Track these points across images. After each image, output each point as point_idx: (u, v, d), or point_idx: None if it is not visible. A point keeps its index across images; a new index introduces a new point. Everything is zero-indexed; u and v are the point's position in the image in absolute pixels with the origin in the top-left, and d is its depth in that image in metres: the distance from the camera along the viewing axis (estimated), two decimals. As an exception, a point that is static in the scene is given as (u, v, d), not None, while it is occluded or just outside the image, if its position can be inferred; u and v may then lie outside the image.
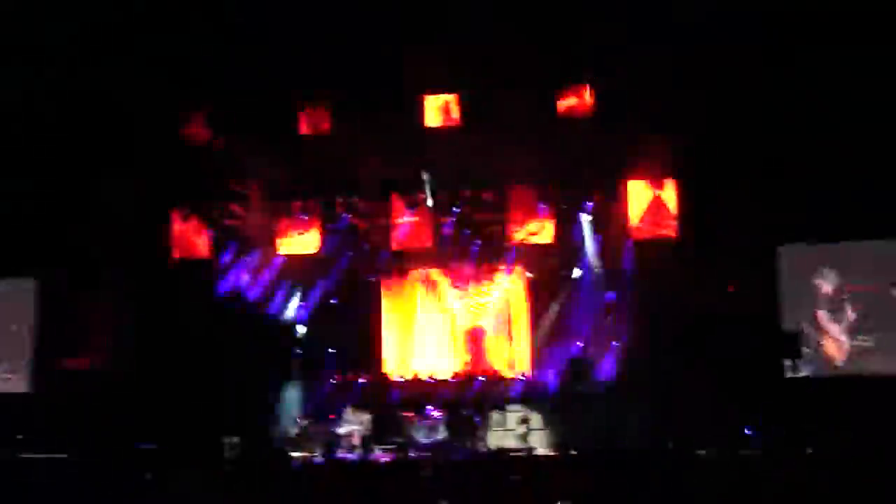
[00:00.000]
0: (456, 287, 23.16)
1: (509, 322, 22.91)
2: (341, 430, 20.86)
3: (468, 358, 22.87)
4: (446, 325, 23.22)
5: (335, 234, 22.78)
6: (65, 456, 16.18)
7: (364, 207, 22.74)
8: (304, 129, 21.80)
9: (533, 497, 7.39)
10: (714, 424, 17.76)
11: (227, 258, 22.80)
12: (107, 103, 20.91)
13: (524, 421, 21.04)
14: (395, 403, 22.10)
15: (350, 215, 22.61)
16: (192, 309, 21.85)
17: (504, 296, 22.96)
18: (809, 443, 16.30)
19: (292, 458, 14.30)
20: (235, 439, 20.16)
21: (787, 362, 19.25)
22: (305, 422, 21.32)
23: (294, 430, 21.22)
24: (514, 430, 20.90)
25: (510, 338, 22.87)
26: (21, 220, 22.22)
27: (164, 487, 8.67)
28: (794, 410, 18.26)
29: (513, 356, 22.77)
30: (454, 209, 22.20)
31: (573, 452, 15.61)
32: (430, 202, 21.97)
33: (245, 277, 22.82)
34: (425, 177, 21.76)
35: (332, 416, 21.58)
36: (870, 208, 19.28)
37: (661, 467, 11.44)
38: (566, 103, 20.89)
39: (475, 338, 23.00)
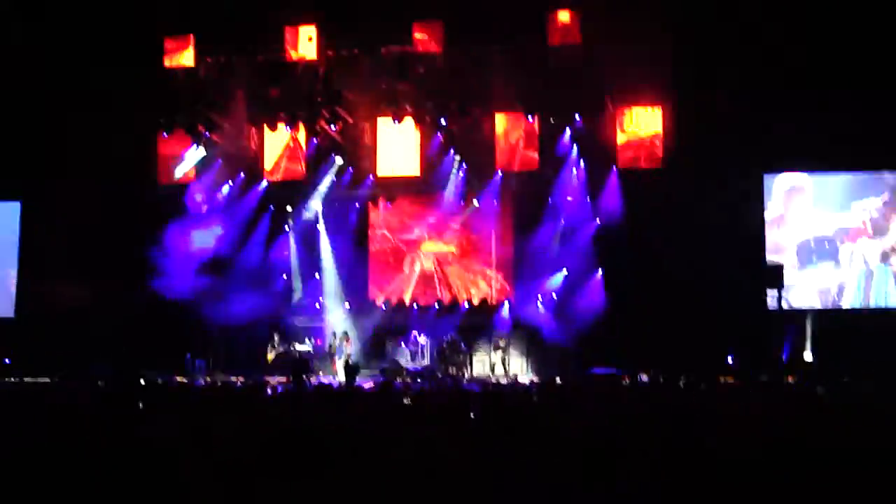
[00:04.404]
0: (441, 213, 23.05)
1: (494, 250, 22.92)
2: (327, 356, 21.08)
3: (453, 284, 22.92)
4: (431, 252, 23.20)
5: (320, 159, 22.74)
6: (48, 380, 16.21)
7: (348, 125, 22.62)
8: (289, 52, 21.59)
9: (517, 424, 7.38)
10: (696, 353, 17.89)
11: (210, 179, 22.74)
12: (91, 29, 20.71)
13: (503, 348, 21.22)
14: (380, 329, 22.25)
15: (336, 127, 22.42)
16: (177, 233, 21.83)
17: (488, 222, 22.88)
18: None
19: (269, 383, 14.35)
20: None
21: (770, 294, 19.36)
22: (282, 347, 21.46)
23: (270, 356, 21.36)
24: (495, 358, 21.11)
25: (494, 266, 22.89)
26: (7, 145, 22.09)
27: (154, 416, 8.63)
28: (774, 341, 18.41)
29: (496, 284, 22.83)
30: (441, 121, 22.04)
31: (557, 381, 15.72)
32: None
33: (228, 199, 22.85)
34: None
35: (318, 342, 21.75)
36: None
37: (644, 395, 11.52)
38: (555, 29, 20.67)
39: (458, 265, 23.04)
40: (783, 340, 18.41)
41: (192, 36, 21.80)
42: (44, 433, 6.92)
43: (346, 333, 21.55)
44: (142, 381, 13.26)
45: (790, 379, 16.16)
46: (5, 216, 23.62)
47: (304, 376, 17.21)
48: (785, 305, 20.06)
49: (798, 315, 20.14)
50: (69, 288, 21.54)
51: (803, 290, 20.79)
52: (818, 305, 20.69)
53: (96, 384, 12.32)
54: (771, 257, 20.50)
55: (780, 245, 21.02)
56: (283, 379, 18.15)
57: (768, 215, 21.15)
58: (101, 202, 21.98)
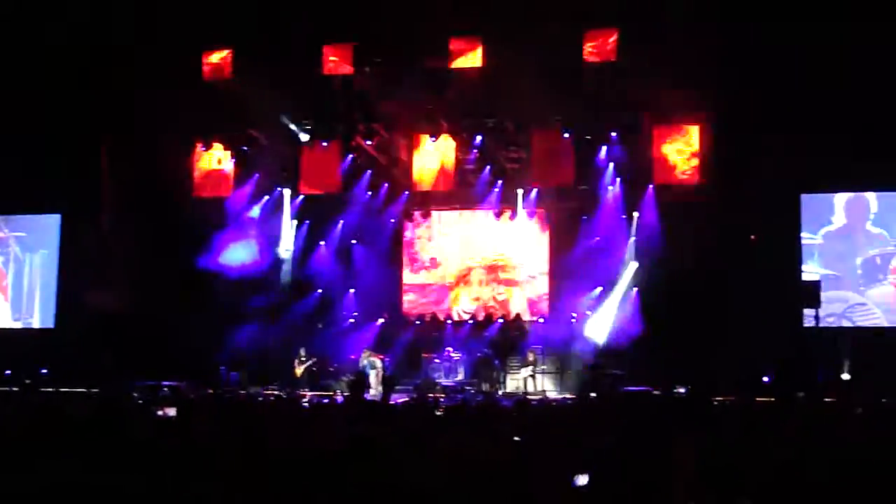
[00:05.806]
0: (476, 228, 23.05)
1: (528, 266, 22.87)
2: (360, 370, 21.07)
3: (487, 300, 22.91)
4: (465, 267, 23.19)
5: (354, 174, 22.81)
6: (84, 390, 16.29)
7: (384, 139, 22.74)
8: (325, 68, 21.69)
9: (547, 440, 7.33)
10: (732, 372, 17.74)
11: (247, 193, 22.85)
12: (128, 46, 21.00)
13: (533, 363, 21.15)
14: (413, 345, 22.24)
15: (371, 142, 22.53)
16: (209, 247, 21.95)
17: (523, 238, 22.85)
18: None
19: (302, 396, 14.39)
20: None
21: (807, 312, 19.20)
22: (310, 361, 21.53)
23: (299, 370, 21.43)
24: (526, 373, 21.06)
25: (527, 281, 22.85)
26: (47, 157, 22.33)
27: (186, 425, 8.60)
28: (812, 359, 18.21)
29: (530, 300, 22.79)
30: (476, 139, 22.07)
31: (592, 395, 15.63)
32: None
33: (261, 213, 22.95)
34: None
35: (352, 356, 21.75)
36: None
37: (679, 414, 11.41)
38: (592, 47, 20.64)
39: (493, 280, 23.02)
40: (820, 359, 18.21)
41: (231, 50, 22.03)
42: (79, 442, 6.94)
43: (372, 348, 21.49)
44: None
45: (829, 398, 15.96)
46: (45, 228, 23.91)
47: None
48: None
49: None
50: (107, 299, 21.72)
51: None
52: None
53: (132, 395, 12.39)
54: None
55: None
56: (313, 392, 18.17)
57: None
58: (139, 214, 22.23)
